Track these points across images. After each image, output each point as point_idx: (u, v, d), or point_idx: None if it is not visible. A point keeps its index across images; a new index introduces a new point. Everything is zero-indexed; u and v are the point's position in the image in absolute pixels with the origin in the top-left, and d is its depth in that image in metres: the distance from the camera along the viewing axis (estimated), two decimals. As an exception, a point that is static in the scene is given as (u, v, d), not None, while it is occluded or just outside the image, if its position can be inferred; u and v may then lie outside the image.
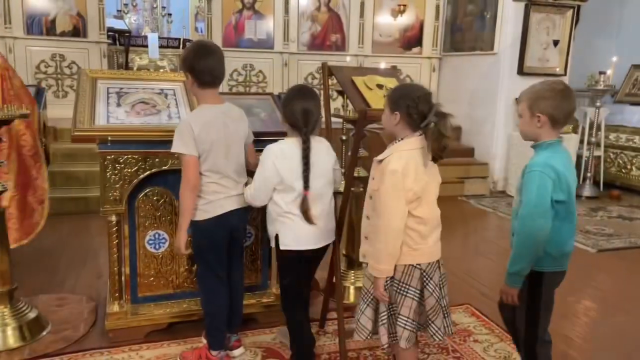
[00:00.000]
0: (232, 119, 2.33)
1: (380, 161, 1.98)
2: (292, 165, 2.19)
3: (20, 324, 2.65)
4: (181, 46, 7.00)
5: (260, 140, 2.77)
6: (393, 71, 2.89)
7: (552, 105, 1.92)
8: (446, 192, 6.18)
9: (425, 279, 2.01)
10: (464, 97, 6.87)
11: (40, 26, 6.17)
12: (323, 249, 2.37)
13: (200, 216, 2.29)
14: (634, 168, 6.54)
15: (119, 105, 2.75)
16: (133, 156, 2.53)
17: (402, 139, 1.99)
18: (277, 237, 2.27)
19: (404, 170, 1.90)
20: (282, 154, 2.21)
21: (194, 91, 2.34)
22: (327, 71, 2.67)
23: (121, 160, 2.52)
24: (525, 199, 1.90)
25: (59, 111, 6.04)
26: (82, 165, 5.12)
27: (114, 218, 2.58)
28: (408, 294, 2.00)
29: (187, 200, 2.24)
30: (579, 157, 6.41)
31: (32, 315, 2.73)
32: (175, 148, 2.22)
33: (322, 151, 2.29)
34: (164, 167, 2.58)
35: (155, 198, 2.66)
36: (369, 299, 2.09)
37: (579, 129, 6.58)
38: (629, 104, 6.98)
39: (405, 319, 2.01)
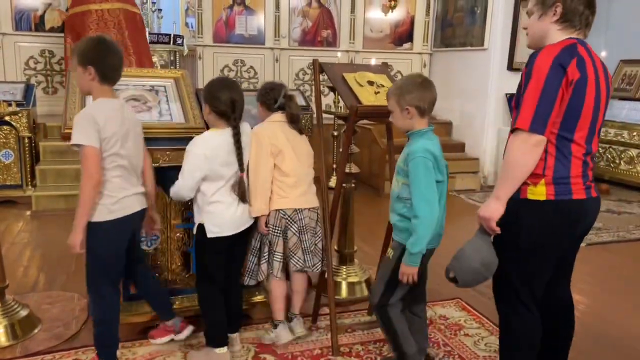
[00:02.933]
0: (128, 117, 2.27)
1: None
2: (220, 153, 2.33)
3: (11, 322, 2.65)
4: (171, 42, 6.97)
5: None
6: (384, 68, 2.90)
7: (417, 97, 2.14)
8: (437, 187, 6.25)
9: (288, 222, 2.53)
10: (455, 92, 6.90)
11: (28, 22, 6.12)
12: (245, 232, 2.50)
13: (103, 217, 2.17)
14: (622, 162, 6.61)
15: (109, 102, 2.73)
16: (124, 153, 2.52)
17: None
18: (202, 226, 2.38)
19: (268, 133, 2.50)
20: (211, 144, 2.33)
21: (90, 85, 2.17)
22: (318, 68, 2.67)
23: (112, 158, 2.50)
24: (416, 184, 2.11)
25: (48, 108, 6.03)
26: (73, 163, 5.08)
27: (105, 215, 2.58)
28: (279, 235, 2.53)
29: (88, 197, 2.11)
30: (569, 151, 6.45)
31: (23, 313, 2.73)
32: (75, 139, 2.08)
33: (248, 137, 2.48)
34: (156, 164, 2.58)
35: (146, 195, 2.66)
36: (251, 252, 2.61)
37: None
38: (617, 99, 7.04)
39: (279, 254, 2.55)
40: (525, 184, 1.85)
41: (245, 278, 2.61)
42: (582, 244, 4.43)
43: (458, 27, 6.89)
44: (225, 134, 2.37)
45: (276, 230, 2.54)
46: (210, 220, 2.37)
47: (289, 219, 2.54)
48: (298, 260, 2.58)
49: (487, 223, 1.89)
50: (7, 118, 4.66)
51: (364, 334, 2.79)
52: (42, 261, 3.72)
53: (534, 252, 1.93)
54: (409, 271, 2.17)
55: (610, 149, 6.74)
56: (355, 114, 2.48)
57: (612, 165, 6.72)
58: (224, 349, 2.46)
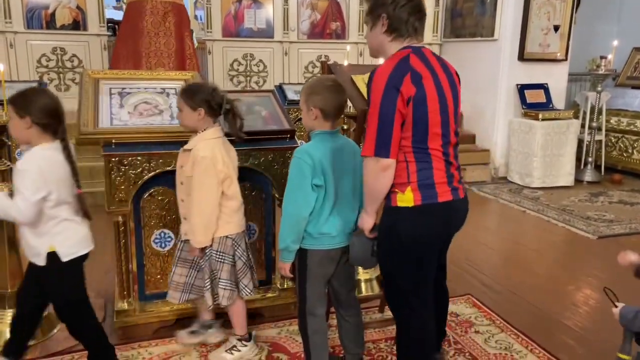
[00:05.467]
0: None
1: (188, 150, 2.33)
2: (58, 170, 2.09)
3: (31, 323, 2.71)
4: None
5: (262, 139, 2.81)
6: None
7: (322, 100, 2.13)
8: (448, 179, 6.24)
9: (235, 246, 2.44)
10: (465, 83, 6.75)
11: (40, 20, 6.16)
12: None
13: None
14: (635, 152, 6.55)
15: (121, 106, 2.78)
16: (137, 158, 2.57)
17: (204, 129, 2.36)
18: (53, 253, 2.12)
19: (212, 156, 2.29)
20: (50, 162, 2.06)
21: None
22: (327, 70, 2.68)
23: (125, 162, 2.56)
24: (288, 183, 2.17)
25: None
26: (88, 160, 5.12)
27: (120, 218, 2.63)
28: (225, 261, 2.41)
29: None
30: (580, 141, 6.41)
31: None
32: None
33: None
34: (168, 168, 2.62)
35: (160, 198, 2.71)
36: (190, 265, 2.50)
37: (580, 114, 6.59)
38: (630, 87, 6.96)
39: (225, 281, 2.42)
40: (394, 192, 1.94)
41: (182, 294, 2.51)
42: (593, 237, 4.42)
43: (468, 18, 6.83)
44: (54, 149, 2.09)
45: (221, 257, 2.41)
46: (62, 242, 2.13)
47: (235, 243, 2.44)
48: (246, 288, 2.50)
49: (365, 232, 2.08)
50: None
51: (375, 332, 2.83)
52: (59, 260, 3.78)
53: (412, 256, 2.00)
54: (280, 266, 2.29)
55: (623, 139, 6.67)
56: (364, 117, 2.49)
57: (624, 155, 6.66)
58: None
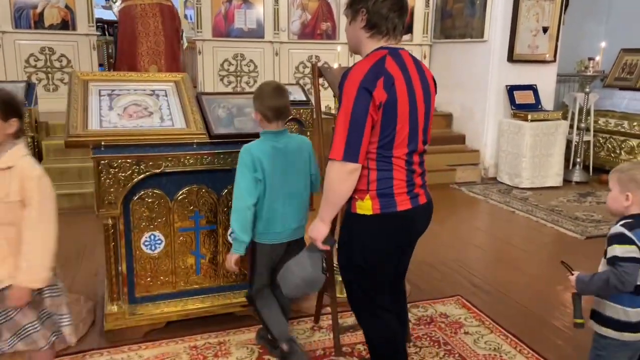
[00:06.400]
0: None
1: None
2: None
3: (20, 326, 2.69)
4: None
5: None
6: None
7: (260, 104, 2.35)
8: (438, 179, 6.26)
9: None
10: (455, 84, 6.89)
11: (28, 19, 6.10)
12: None
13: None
14: (622, 152, 6.62)
15: (111, 108, 2.76)
16: (127, 160, 2.56)
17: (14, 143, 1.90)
18: None
19: (44, 174, 1.89)
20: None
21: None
22: (317, 72, 2.69)
23: (115, 165, 2.54)
24: (235, 177, 2.35)
25: (50, 105, 6.03)
26: (76, 161, 5.11)
27: (109, 221, 2.62)
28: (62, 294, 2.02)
29: None
30: (569, 142, 6.47)
31: (31, 316, 2.77)
32: None
33: None
34: (158, 170, 2.62)
35: (150, 200, 2.69)
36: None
37: (568, 115, 6.65)
38: (618, 88, 7.03)
39: (67, 315, 2.03)
40: (354, 198, 1.92)
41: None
42: (581, 237, 4.45)
43: (458, 19, 6.86)
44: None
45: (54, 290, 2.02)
46: None
47: None
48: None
49: (315, 242, 2.01)
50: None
51: (353, 335, 2.83)
52: (48, 262, 3.76)
53: (370, 264, 1.99)
54: (228, 257, 2.45)
55: (611, 139, 6.73)
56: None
57: (612, 155, 6.73)
58: None
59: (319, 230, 1.98)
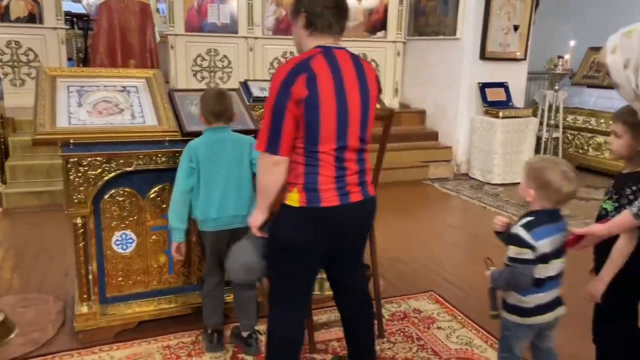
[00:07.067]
0: None
1: None
2: None
3: (-14, 329, 2.63)
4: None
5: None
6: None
7: (202, 107, 2.54)
8: (411, 176, 6.33)
9: None
10: (428, 81, 6.95)
11: (-7, 12, 5.93)
12: None
13: None
14: (590, 149, 6.78)
15: (80, 105, 2.71)
16: (97, 158, 2.51)
17: None
18: None
19: None
20: None
21: None
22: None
23: (84, 163, 2.50)
24: None
25: (16, 100, 5.88)
26: (44, 158, 4.99)
27: (79, 220, 2.57)
28: None
29: None
30: (539, 138, 6.60)
31: (-1, 318, 2.71)
32: None
33: None
34: (129, 168, 2.58)
35: (121, 199, 2.65)
36: None
37: (538, 112, 6.77)
38: (586, 86, 7.20)
39: None
40: (286, 189, 1.97)
41: None
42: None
43: (431, 16, 6.91)
44: None
45: None
46: None
47: None
48: None
49: (252, 229, 2.08)
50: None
51: (340, 330, 2.82)
52: (16, 261, 3.68)
53: (289, 254, 2.01)
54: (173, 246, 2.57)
55: (579, 136, 6.90)
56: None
57: (580, 152, 6.89)
58: None
59: (255, 217, 2.05)
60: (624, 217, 1.83)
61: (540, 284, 1.91)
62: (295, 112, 1.84)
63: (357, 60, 2.00)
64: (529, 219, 1.91)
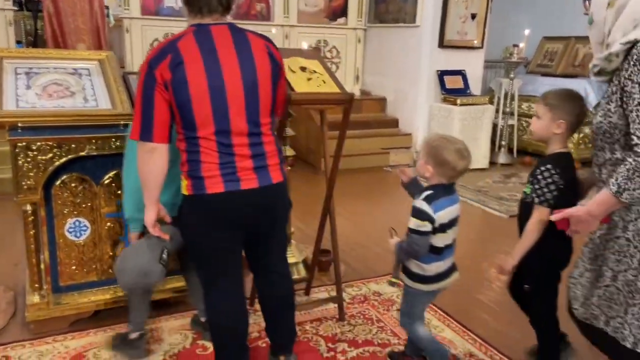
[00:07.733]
0: None
1: None
2: None
3: None
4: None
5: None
6: (316, 52, 2.91)
7: None
8: (372, 162, 6.37)
9: None
10: (389, 68, 7.00)
11: None
12: None
13: None
14: (543, 136, 6.98)
15: (28, 87, 2.60)
16: (47, 142, 2.42)
17: None
18: None
19: None
20: None
21: None
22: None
23: (34, 147, 2.40)
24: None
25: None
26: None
27: (29, 207, 2.48)
28: None
29: None
30: (495, 125, 6.75)
31: (-57, 310, 2.59)
32: None
33: None
34: (82, 153, 2.49)
35: (73, 185, 2.57)
36: None
37: (494, 100, 6.93)
38: (540, 74, 7.40)
39: None
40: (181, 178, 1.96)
41: None
42: (505, 216, 4.64)
43: (391, 3, 6.94)
44: None
45: None
46: None
47: None
48: None
49: (149, 229, 2.02)
50: None
51: (301, 314, 2.86)
52: (-38, 252, 3.52)
53: (195, 240, 2.00)
54: (130, 236, 2.33)
55: (533, 123, 7.09)
56: (289, 101, 2.48)
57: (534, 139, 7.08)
58: None
59: (146, 215, 1.98)
60: (602, 196, 1.74)
61: (440, 252, 2.11)
62: (164, 96, 1.79)
63: (241, 36, 1.91)
64: (428, 192, 2.05)
